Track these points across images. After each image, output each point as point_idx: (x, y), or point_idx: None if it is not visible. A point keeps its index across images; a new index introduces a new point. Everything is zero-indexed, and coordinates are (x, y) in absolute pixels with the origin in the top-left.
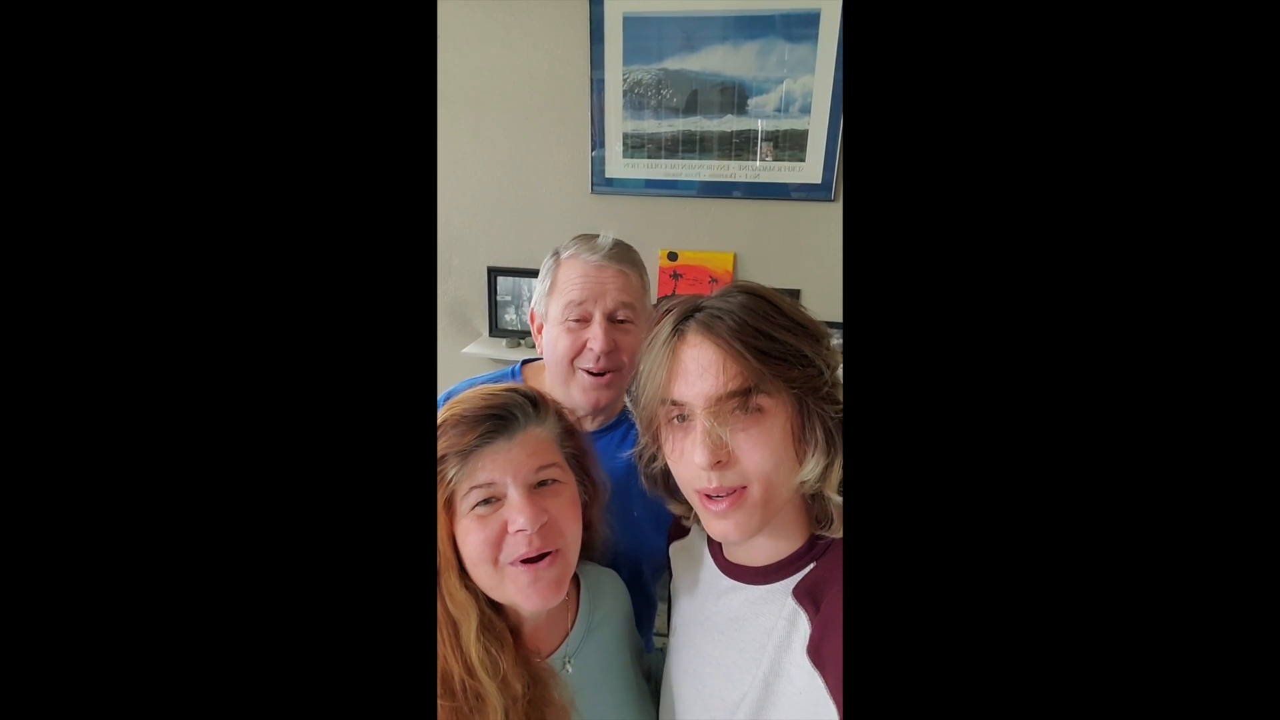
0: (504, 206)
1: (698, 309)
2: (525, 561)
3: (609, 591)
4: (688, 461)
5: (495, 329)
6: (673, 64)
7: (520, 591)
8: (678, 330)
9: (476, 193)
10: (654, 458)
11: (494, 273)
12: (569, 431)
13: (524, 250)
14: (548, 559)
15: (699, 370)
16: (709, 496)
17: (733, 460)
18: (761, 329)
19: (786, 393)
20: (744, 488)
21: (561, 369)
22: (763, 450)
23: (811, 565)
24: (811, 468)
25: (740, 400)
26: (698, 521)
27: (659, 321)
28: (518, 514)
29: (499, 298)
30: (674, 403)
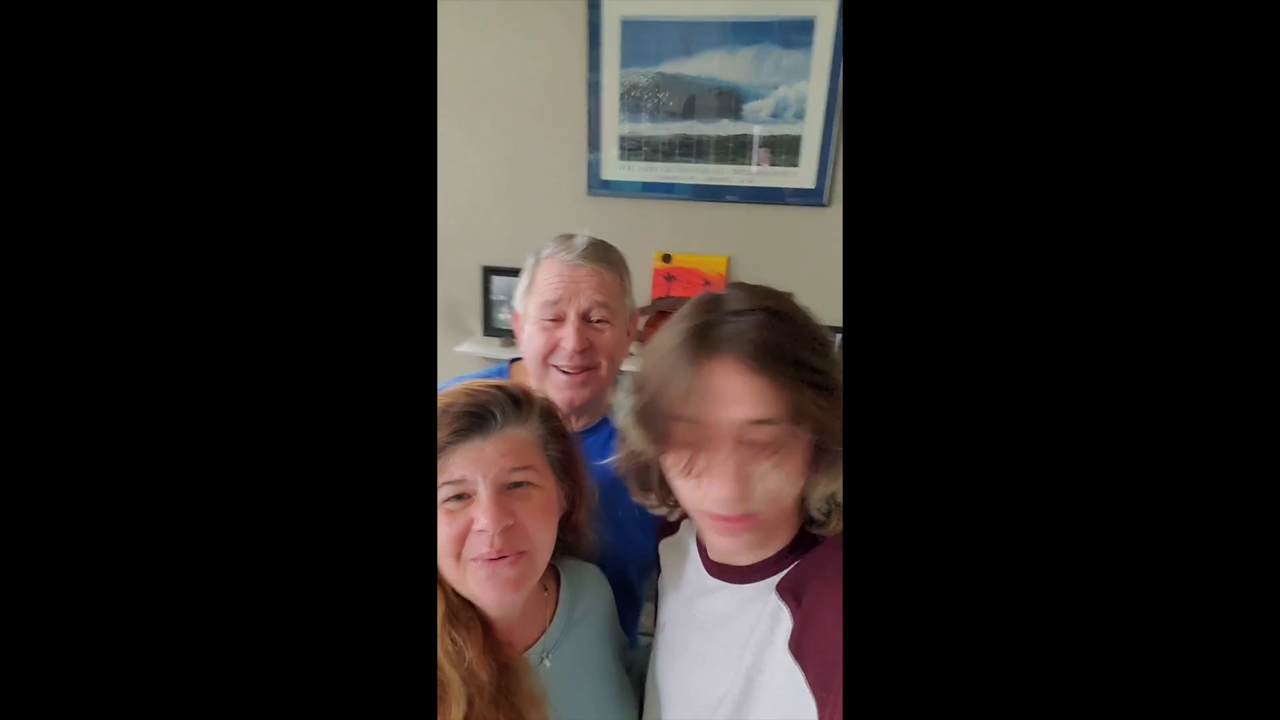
0: (500, 207)
1: (721, 322)
2: (486, 560)
3: (591, 586)
4: (707, 488)
5: (489, 328)
6: (669, 68)
7: (478, 586)
8: (704, 346)
9: (472, 193)
10: (646, 465)
11: (488, 272)
12: (556, 434)
13: (519, 251)
14: (509, 559)
15: (733, 396)
16: (720, 519)
17: (752, 489)
18: (802, 360)
19: (811, 420)
20: (758, 513)
21: (536, 367)
22: (783, 479)
23: (796, 562)
24: (820, 491)
25: (770, 430)
26: (687, 517)
27: (663, 322)
28: (481, 514)
29: (493, 297)
30: (693, 421)
